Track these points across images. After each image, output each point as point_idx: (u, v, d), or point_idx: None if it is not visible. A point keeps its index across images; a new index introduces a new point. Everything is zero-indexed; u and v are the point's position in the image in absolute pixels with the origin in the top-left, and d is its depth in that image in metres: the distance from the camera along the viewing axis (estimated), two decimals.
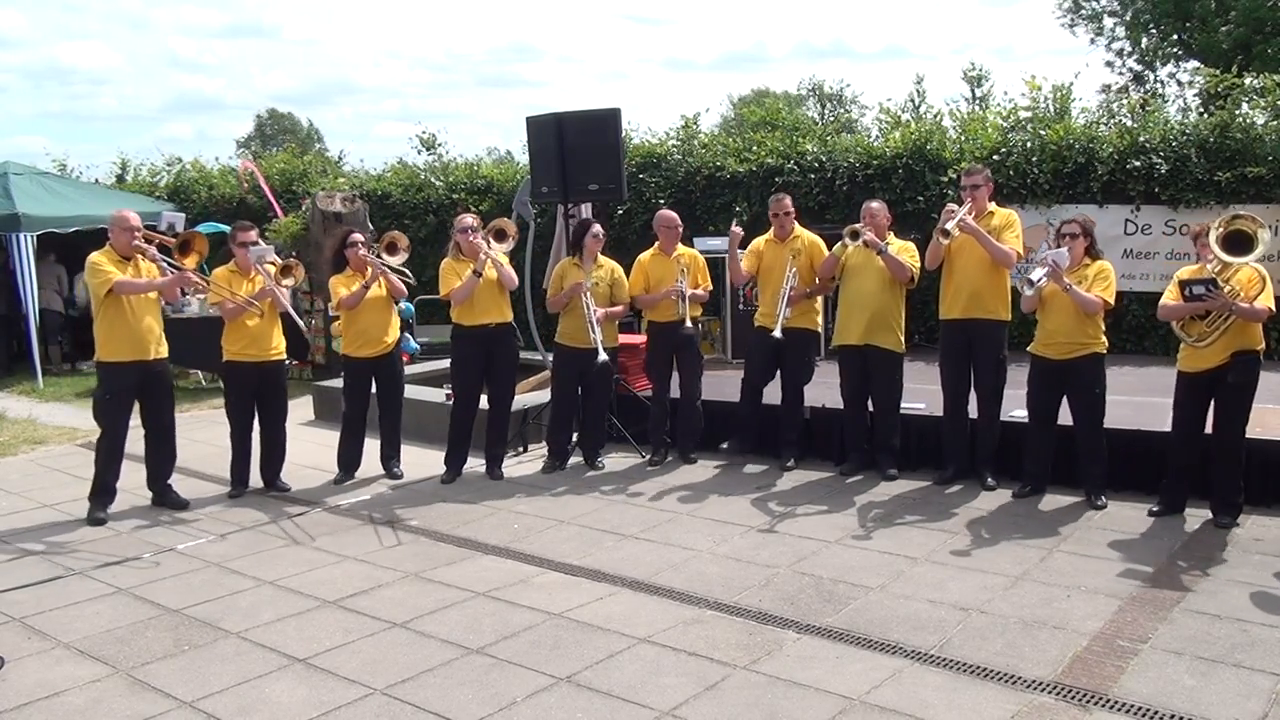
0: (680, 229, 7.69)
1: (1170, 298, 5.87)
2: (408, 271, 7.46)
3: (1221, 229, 5.61)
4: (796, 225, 7.52)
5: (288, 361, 11.57)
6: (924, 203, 10.50)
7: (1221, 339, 5.69)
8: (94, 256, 6.59)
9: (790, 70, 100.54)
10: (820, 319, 7.72)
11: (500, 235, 7.34)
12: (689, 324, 7.43)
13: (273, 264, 7.06)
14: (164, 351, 6.80)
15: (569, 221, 8.44)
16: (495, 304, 7.32)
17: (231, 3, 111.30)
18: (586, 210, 8.83)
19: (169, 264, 6.69)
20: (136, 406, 6.79)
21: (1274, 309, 5.71)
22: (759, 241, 7.63)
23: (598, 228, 7.59)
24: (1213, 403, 5.88)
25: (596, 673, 4.31)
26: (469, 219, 7.39)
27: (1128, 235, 9.98)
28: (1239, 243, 5.57)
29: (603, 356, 7.18)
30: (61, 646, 4.72)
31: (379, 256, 7.28)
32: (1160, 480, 6.22)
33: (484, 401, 7.56)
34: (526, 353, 10.72)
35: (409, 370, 10.25)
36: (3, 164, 12.96)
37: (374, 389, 7.59)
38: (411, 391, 8.77)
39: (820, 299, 7.72)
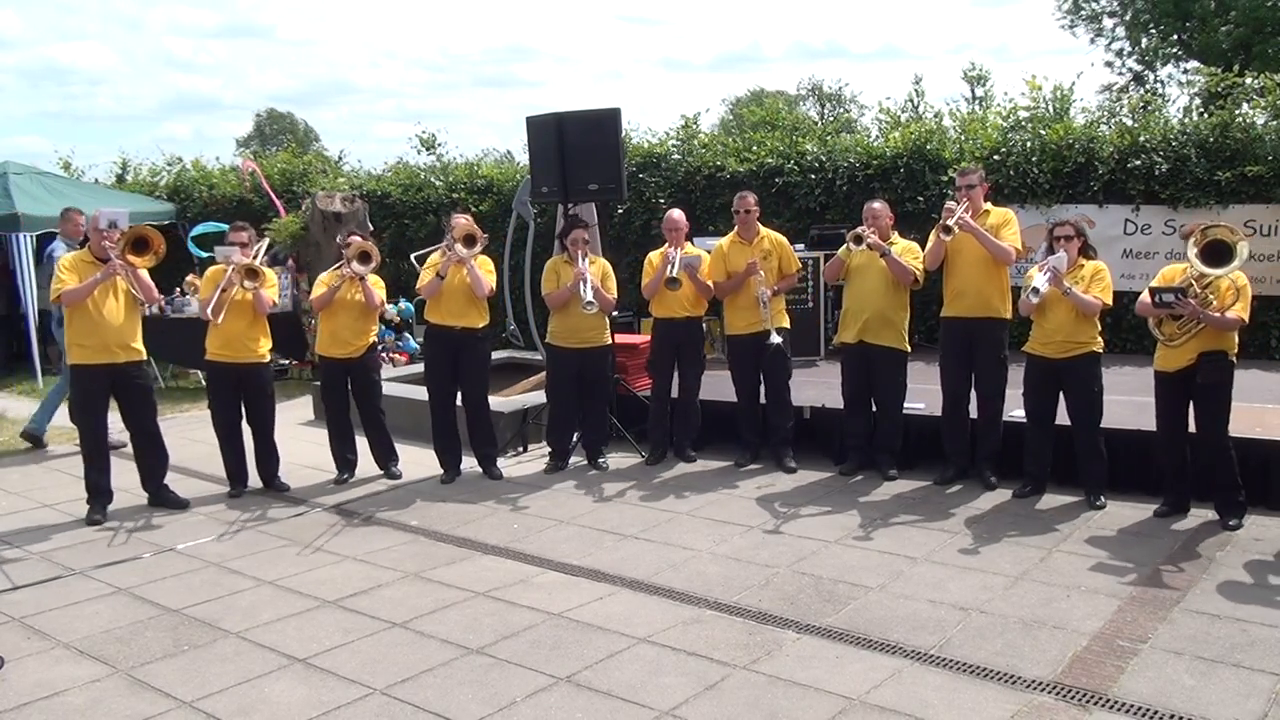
0: (683, 229, 7.62)
1: (1147, 296, 5.91)
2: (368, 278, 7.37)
3: (1200, 240, 5.66)
4: (760, 226, 7.53)
5: (288, 361, 11.72)
6: (924, 203, 10.50)
7: (1191, 340, 5.76)
8: (61, 260, 6.60)
9: (786, 70, 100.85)
10: (787, 314, 7.65)
11: (469, 241, 7.26)
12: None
13: (241, 264, 6.89)
14: (138, 355, 6.71)
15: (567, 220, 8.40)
16: (463, 309, 7.24)
17: (225, 3, 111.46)
18: (591, 212, 8.80)
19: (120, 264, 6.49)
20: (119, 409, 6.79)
21: (1246, 319, 5.72)
22: (722, 244, 7.62)
23: (578, 233, 7.51)
24: (1192, 404, 5.91)
25: (596, 673, 4.31)
26: (460, 219, 7.39)
27: (1127, 235, 9.97)
28: (1218, 254, 5.62)
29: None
30: (61, 646, 4.72)
31: (350, 263, 7.23)
32: (1161, 480, 6.23)
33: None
34: (526, 352, 10.76)
35: (408, 370, 10.28)
36: (2, 164, 12.94)
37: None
38: (411, 391, 8.78)
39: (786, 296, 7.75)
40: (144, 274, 6.66)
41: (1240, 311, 5.65)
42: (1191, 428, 5.97)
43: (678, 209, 7.89)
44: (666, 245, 7.63)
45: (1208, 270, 5.62)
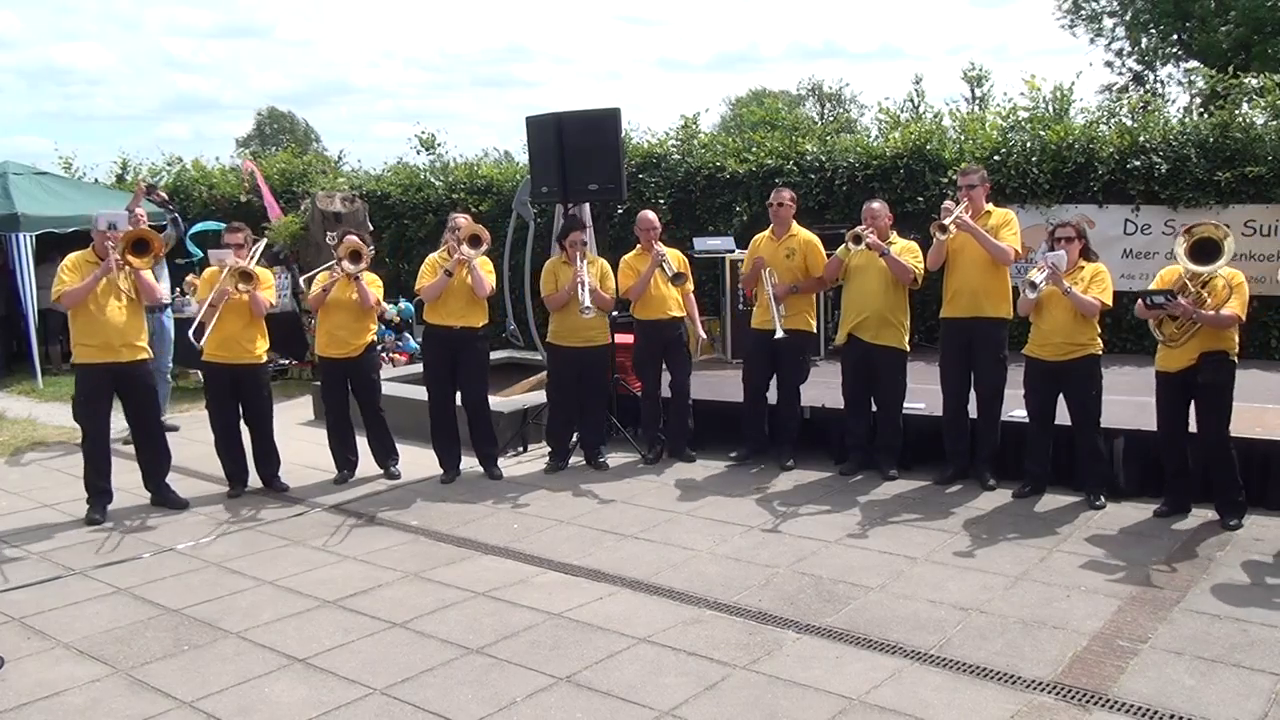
0: (658, 229, 7.69)
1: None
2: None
3: (1187, 239, 5.72)
4: (795, 224, 7.55)
5: (288, 361, 11.71)
6: (924, 203, 10.49)
7: (1192, 340, 5.77)
8: (65, 260, 6.61)
9: (784, 70, 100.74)
10: (814, 320, 7.72)
11: (475, 241, 7.28)
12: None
13: (235, 267, 6.90)
14: (142, 354, 6.73)
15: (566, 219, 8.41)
16: (464, 308, 7.27)
17: (224, 3, 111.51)
18: (586, 213, 8.81)
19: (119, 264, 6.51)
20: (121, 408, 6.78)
21: (1243, 316, 5.72)
22: (759, 239, 7.69)
23: (576, 235, 7.54)
24: (1193, 404, 5.91)
25: (596, 673, 4.31)
26: (460, 219, 7.40)
27: (1127, 235, 9.97)
28: (1206, 251, 5.67)
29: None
30: (61, 646, 4.72)
31: (341, 262, 7.26)
32: (1162, 480, 6.23)
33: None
34: (526, 352, 10.75)
35: (408, 370, 10.27)
36: (2, 164, 12.93)
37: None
38: (411, 391, 8.78)
39: (813, 297, 7.74)
40: (147, 275, 6.69)
41: (1235, 308, 5.65)
42: (1192, 428, 5.97)
43: (650, 210, 7.96)
44: (641, 246, 7.68)
45: (1197, 268, 5.66)
